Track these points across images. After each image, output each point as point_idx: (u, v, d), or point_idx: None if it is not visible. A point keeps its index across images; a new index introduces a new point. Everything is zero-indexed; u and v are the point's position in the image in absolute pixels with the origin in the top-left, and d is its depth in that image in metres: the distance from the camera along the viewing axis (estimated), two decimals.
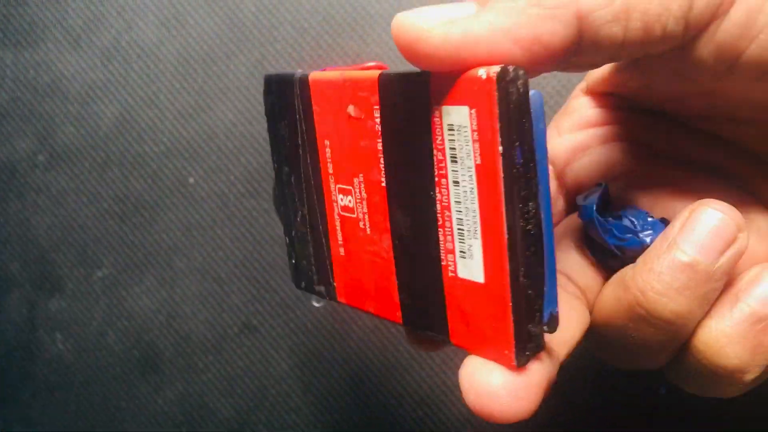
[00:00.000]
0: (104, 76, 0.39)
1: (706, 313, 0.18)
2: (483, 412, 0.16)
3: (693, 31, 0.17)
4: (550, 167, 0.24)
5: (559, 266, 0.22)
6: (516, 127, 0.14)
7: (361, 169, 0.19)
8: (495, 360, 0.16)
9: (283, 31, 0.37)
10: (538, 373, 0.17)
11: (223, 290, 0.38)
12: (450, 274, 0.17)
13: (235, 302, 0.38)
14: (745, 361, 0.17)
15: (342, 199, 0.20)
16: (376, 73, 0.18)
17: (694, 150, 0.22)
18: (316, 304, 0.21)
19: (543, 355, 0.17)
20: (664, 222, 0.21)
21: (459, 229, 0.16)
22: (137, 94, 0.38)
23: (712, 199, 0.18)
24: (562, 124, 0.24)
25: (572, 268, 0.22)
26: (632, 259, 0.19)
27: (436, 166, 0.16)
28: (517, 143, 0.14)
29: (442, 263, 0.17)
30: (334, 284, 0.21)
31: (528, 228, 0.15)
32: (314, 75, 0.20)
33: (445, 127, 0.16)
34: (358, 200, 0.19)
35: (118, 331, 0.39)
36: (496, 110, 0.14)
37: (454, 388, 0.35)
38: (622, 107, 0.23)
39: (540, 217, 0.15)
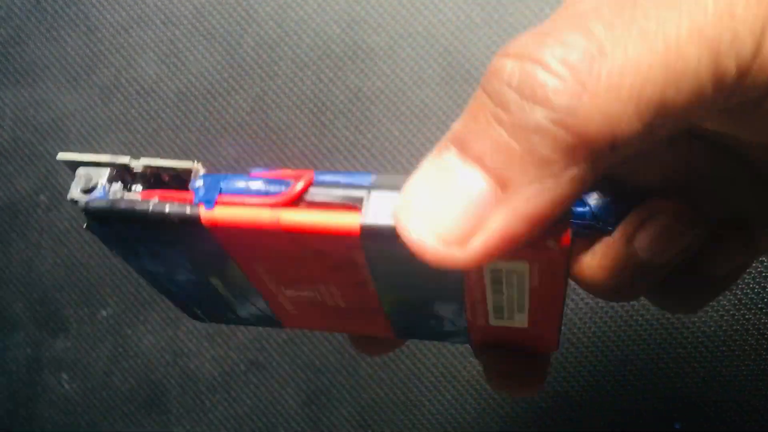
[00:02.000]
0: (104, 114, 0.39)
1: None
2: None
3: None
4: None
5: None
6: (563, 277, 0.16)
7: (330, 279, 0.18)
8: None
9: (284, 66, 0.36)
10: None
11: (228, 327, 0.37)
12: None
13: (242, 339, 0.37)
14: None
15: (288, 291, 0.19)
16: (356, 226, 0.14)
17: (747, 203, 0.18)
18: None
19: None
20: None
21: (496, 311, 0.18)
22: (138, 131, 0.38)
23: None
24: None
25: None
26: None
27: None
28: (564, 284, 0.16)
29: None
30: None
31: None
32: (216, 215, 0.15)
33: (487, 272, 0.16)
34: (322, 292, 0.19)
35: (124, 371, 0.39)
36: (563, 270, 0.16)
37: (465, 424, 0.35)
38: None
39: None
